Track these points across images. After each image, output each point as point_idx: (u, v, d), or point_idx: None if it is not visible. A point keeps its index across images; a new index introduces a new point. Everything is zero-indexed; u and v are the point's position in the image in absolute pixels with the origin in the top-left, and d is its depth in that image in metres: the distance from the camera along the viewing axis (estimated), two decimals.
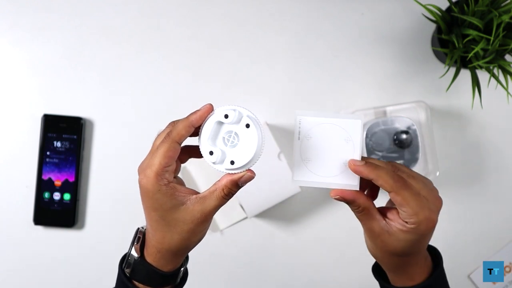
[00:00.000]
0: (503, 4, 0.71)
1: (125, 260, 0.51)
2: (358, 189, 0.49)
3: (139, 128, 0.84)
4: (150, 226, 0.49)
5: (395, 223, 0.48)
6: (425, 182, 0.49)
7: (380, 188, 0.49)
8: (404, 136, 0.80)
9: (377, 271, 0.55)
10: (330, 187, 0.49)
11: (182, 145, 0.49)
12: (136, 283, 0.50)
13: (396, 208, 0.48)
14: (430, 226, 0.47)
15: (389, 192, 0.47)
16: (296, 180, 0.49)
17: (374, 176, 0.47)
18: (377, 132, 0.81)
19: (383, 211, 0.49)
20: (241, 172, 0.47)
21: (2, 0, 0.84)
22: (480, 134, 0.85)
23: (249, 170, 0.47)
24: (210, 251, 0.84)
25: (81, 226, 0.85)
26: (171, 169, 0.47)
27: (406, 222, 0.47)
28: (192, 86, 0.84)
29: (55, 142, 0.83)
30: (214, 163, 0.47)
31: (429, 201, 0.47)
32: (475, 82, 0.74)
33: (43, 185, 0.83)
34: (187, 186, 0.50)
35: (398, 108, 0.81)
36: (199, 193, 0.48)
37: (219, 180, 0.48)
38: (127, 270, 0.51)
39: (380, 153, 0.81)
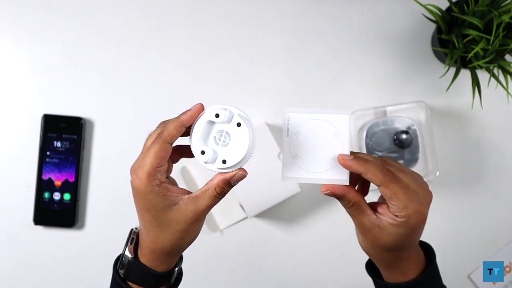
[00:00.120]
0: (503, 4, 0.71)
1: (119, 261, 0.51)
2: (348, 183, 0.49)
3: (139, 128, 0.84)
4: (143, 226, 0.49)
5: (386, 217, 0.48)
6: (415, 176, 0.49)
7: (371, 185, 0.49)
8: (404, 136, 0.80)
9: (371, 268, 0.55)
10: (320, 183, 0.49)
11: (174, 145, 0.49)
12: (131, 284, 0.50)
13: (386, 203, 0.48)
14: (420, 219, 0.47)
15: (378, 186, 0.47)
16: (285, 177, 0.50)
17: (363, 170, 0.47)
18: (377, 132, 0.81)
19: (373, 206, 0.49)
20: (233, 171, 0.47)
21: (2, 0, 0.84)
22: (480, 134, 0.85)
23: (241, 169, 0.48)
24: (210, 251, 0.84)
25: (81, 226, 0.85)
26: (163, 169, 0.47)
27: (396, 216, 0.47)
28: (192, 86, 0.84)
29: (55, 142, 0.83)
30: (206, 162, 0.47)
31: (419, 194, 0.47)
32: (475, 82, 0.74)
33: (43, 185, 0.83)
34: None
35: (398, 108, 0.81)
36: (191, 192, 0.49)
37: (211, 180, 0.48)
38: (121, 271, 0.51)
39: (380, 153, 0.81)
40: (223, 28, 0.84)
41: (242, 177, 0.48)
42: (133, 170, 0.47)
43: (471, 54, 0.70)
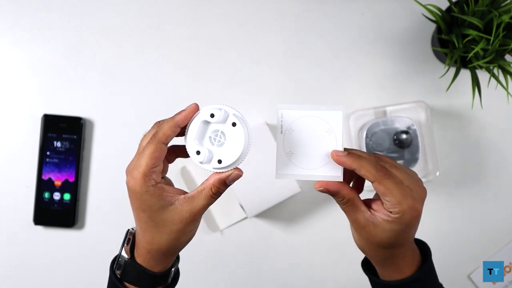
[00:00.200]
0: (503, 4, 0.71)
1: (115, 261, 0.51)
2: (342, 180, 0.49)
3: (139, 128, 0.83)
4: (139, 227, 0.49)
5: (380, 213, 0.48)
6: (409, 172, 0.49)
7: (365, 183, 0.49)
8: (404, 136, 0.80)
9: (367, 265, 0.55)
10: (314, 179, 0.49)
11: (169, 145, 0.49)
12: (127, 284, 0.50)
13: (380, 199, 0.48)
14: (414, 215, 0.47)
15: (372, 182, 0.47)
16: (279, 174, 0.49)
17: (357, 166, 0.47)
18: (377, 132, 0.81)
19: (368, 203, 0.49)
20: (228, 170, 0.47)
21: (2, 0, 0.84)
22: (480, 134, 0.85)
23: (236, 168, 0.48)
24: (210, 251, 0.84)
25: (81, 226, 0.85)
26: (158, 169, 0.47)
27: (390, 212, 0.47)
28: (192, 86, 0.84)
29: (55, 142, 0.83)
30: (201, 162, 0.47)
31: (413, 190, 0.47)
32: (475, 82, 0.74)
33: (43, 185, 0.83)
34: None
35: (398, 108, 0.81)
36: (187, 193, 0.49)
37: (207, 180, 0.48)
38: (117, 272, 0.51)
39: (380, 153, 0.81)
40: (223, 28, 0.84)
41: (238, 176, 0.48)
42: (129, 170, 0.47)
43: (471, 54, 0.70)
